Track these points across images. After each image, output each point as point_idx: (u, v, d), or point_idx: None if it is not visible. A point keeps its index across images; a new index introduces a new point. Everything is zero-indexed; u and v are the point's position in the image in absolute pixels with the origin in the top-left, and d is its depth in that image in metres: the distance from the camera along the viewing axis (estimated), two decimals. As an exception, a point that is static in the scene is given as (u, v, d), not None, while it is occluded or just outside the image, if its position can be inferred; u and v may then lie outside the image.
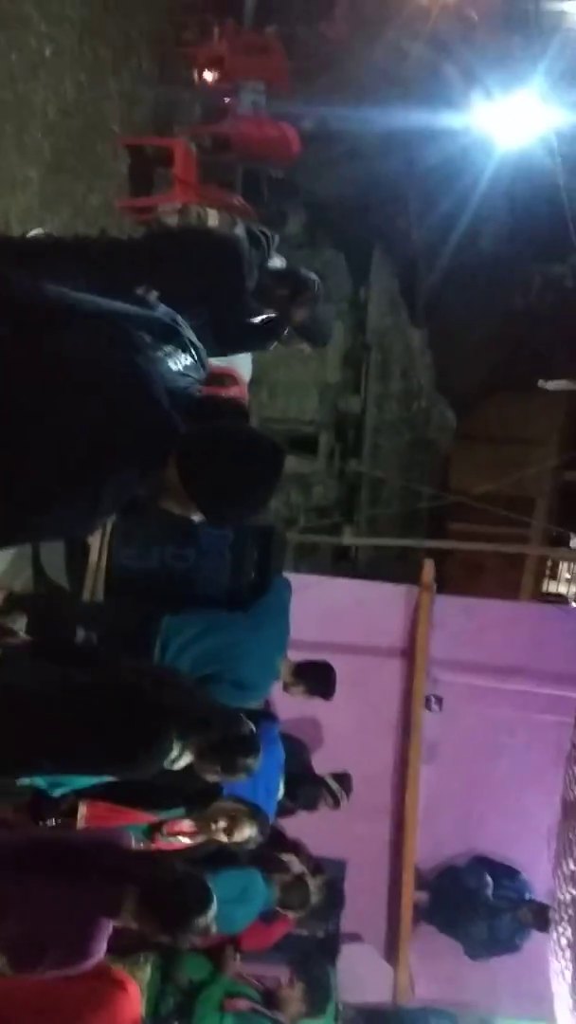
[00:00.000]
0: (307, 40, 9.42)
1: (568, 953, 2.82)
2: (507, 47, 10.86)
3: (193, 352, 3.35)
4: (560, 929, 2.98)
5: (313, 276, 4.33)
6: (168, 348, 3.17)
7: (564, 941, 2.90)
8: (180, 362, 3.24)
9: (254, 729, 3.08)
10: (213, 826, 3.96)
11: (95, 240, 5.04)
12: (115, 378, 2.41)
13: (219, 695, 4.10)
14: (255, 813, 3.99)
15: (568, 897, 2.97)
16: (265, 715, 4.66)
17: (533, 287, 13.28)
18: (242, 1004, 4.64)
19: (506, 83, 9.63)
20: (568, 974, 2.75)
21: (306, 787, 4.83)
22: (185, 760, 2.91)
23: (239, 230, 5.17)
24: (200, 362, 3.42)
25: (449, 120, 9.50)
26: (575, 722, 3.36)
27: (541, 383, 6.59)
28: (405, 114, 9.16)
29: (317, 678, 4.54)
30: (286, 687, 4.52)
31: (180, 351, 3.25)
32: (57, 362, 2.37)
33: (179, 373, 3.23)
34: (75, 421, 2.30)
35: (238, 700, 4.22)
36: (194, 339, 3.41)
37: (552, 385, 6.57)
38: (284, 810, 4.78)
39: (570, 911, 2.84)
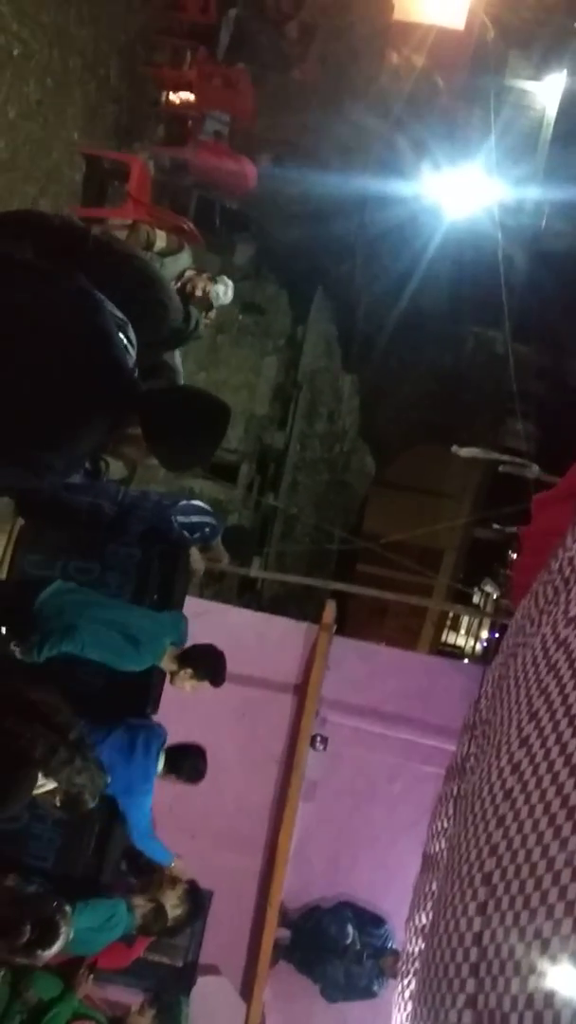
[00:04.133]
0: (277, 81, 9.58)
1: (409, 1005, 2.89)
2: (466, 117, 11.24)
3: (124, 334, 3.45)
4: (405, 981, 3.05)
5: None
6: None
7: (407, 993, 2.96)
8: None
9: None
10: None
11: None
12: (83, 340, 2.66)
13: (103, 639, 4.09)
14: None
15: (416, 950, 3.04)
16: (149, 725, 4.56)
17: (466, 348, 13.68)
18: (91, 1026, 4.58)
19: (454, 156, 9.97)
20: (406, 1027, 2.83)
21: (190, 759, 4.55)
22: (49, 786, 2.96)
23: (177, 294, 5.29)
24: (131, 342, 3.52)
25: (400, 185, 9.80)
26: (444, 777, 3.47)
27: (455, 449, 6.77)
28: (361, 178, 9.45)
29: (206, 660, 4.39)
30: (173, 678, 4.36)
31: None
32: (23, 323, 2.57)
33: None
34: (48, 381, 2.54)
35: (120, 652, 4.15)
36: (123, 321, 3.52)
37: (465, 452, 6.74)
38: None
39: (416, 964, 2.91)
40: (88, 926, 4.18)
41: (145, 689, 4.76)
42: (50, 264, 2.84)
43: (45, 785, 2.94)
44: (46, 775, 2.90)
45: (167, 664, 4.32)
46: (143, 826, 4.45)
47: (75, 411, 2.58)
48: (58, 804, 3.08)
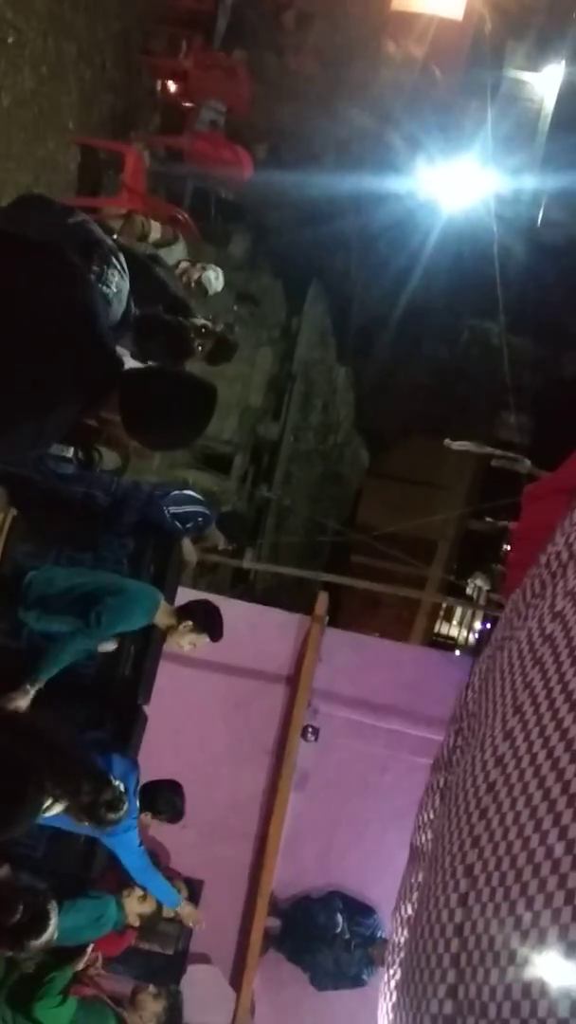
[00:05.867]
0: (273, 70, 9.55)
1: (394, 994, 2.92)
2: (463, 108, 11.21)
3: (116, 260, 3.44)
4: (391, 971, 3.08)
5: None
6: (95, 269, 3.25)
7: (393, 983, 2.99)
8: (112, 282, 3.31)
9: (120, 790, 3.40)
10: None
11: None
12: (67, 316, 2.53)
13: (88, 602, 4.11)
14: None
15: (401, 940, 3.08)
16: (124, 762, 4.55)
17: (461, 340, 13.67)
18: (89, 991, 4.61)
19: (451, 147, 9.95)
20: (391, 1016, 2.84)
21: (163, 794, 4.63)
22: (57, 809, 3.15)
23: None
24: (123, 267, 3.51)
25: (397, 177, 9.78)
26: (431, 768, 3.49)
27: (447, 442, 6.79)
28: (357, 169, 9.43)
29: (205, 613, 4.38)
30: (170, 634, 4.32)
31: (106, 267, 3.33)
32: (9, 295, 2.46)
33: (114, 295, 3.32)
34: (25, 353, 2.42)
35: (113, 609, 4.14)
36: (113, 246, 3.52)
37: (457, 446, 6.76)
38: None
39: (401, 954, 2.95)
40: (73, 925, 4.20)
41: (137, 679, 4.78)
42: (41, 238, 2.81)
43: (52, 808, 3.06)
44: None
45: (164, 619, 4.25)
46: (138, 864, 4.47)
47: (52, 386, 2.47)
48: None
